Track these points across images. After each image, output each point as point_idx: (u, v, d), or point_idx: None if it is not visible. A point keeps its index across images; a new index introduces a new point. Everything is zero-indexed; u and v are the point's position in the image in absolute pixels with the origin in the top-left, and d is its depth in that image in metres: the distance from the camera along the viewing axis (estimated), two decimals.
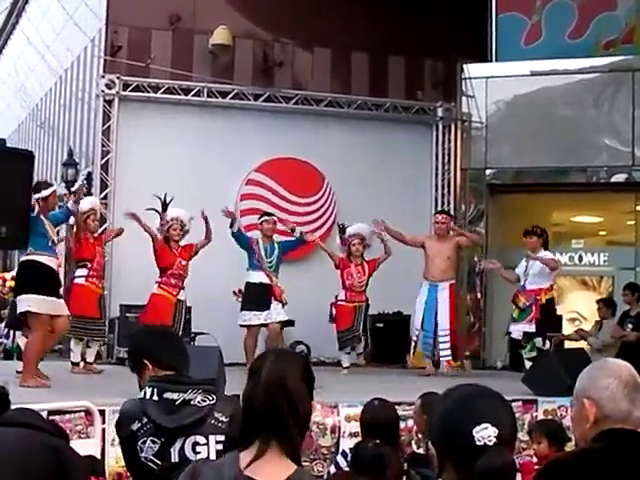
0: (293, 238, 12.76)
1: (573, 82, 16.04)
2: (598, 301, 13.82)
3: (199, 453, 3.65)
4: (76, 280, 11.53)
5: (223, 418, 3.72)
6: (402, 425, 6.14)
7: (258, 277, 12.08)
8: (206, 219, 11.72)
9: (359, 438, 6.20)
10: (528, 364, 11.55)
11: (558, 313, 15.26)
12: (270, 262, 12.15)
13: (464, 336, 14.87)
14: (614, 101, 15.70)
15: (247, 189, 15.42)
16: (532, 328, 11.78)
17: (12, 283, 12.41)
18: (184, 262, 11.59)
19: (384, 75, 16.77)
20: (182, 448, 3.66)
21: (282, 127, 15.53)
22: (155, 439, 3.68)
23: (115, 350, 13.02)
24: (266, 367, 2.79)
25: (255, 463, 2.70)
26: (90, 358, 11.72)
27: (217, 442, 3.68)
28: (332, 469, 6.32)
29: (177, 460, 3.63)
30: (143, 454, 3.68)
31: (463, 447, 2.39)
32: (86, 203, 11.55)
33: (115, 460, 7.43)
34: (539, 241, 12.18)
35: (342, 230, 13.04)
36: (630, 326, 12.78)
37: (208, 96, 15.18)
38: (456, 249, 13.13)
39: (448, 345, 12.64)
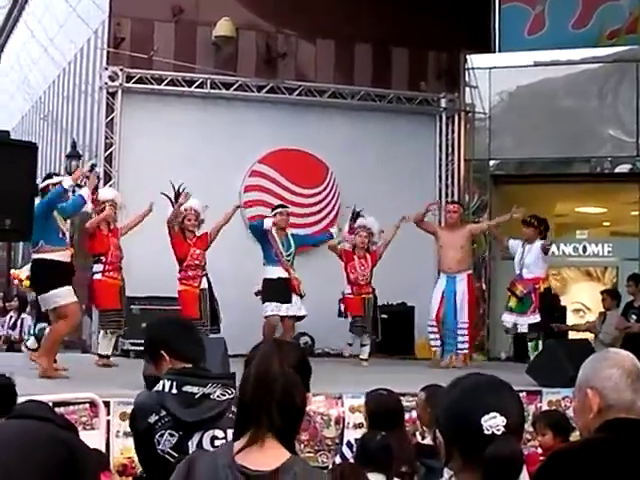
0: (320, 235, 12.90)
1: (577, 72, 16.02)
2: (602, 292, 13.82)
3: (217, 447, 3.62)
4: (94, 276, 11.56)
5: None
6: (407, 416, 6.13)
7: (275, 272, 11.98)
8: (234, 211, 11.99)
9: (364, 429, 6.21)
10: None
11: (562, 304, 15.36)
12: (288, 255, 12.12)
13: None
14: (618, 91, 15.68)
15: (251, 180, 15.41)
16: (537, 318, 11.79)
17: (27, 282, 12.51)
18: (199, 251, 11.53)
19: (387, 66, 16.75)
20: (200, 442, 3.64)
21: (285, 118, 15.51)
22: (173, 432, 3.64)
23: (120, 342, 13.02)
24: (258, 357, 2.81)
25: (249, 452, 2.72)
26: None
27: None
28: (337, 460, 6.33)
29: None
30: (160, 447, 3.64)
31: (471, 436, 2.40)
32: (107, 193, 11.59)
33: (120, 452, 7.47)
34: (535, 231, 12.24)
35: (356, 216, 12.93)
36: (634, 317, 12.78)
37: (211, 88, 15.16)
38: (469, 238, 13.08)
39: (467, 339, 12.61)
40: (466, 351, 12.71)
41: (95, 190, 10.94)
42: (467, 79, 16.43)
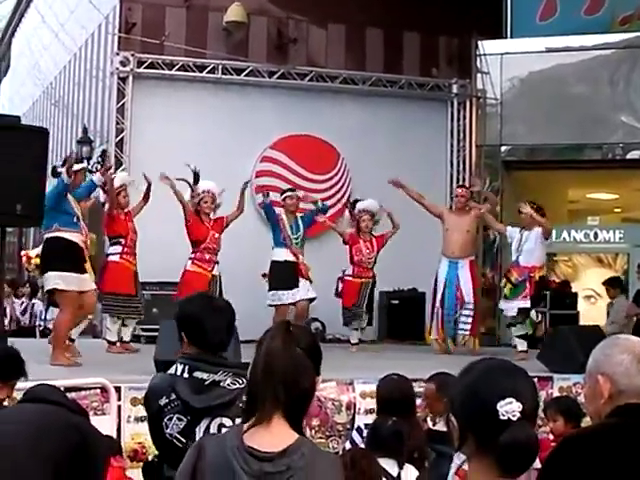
0: (310, 211, 12.71)
1: (589, 58, 15.96)
2: (603, 283, 13.82)
3: None
4: (110, 257, 11.36)
5: None
6: (418, 402, 6.12)
7: (283, 255, 11.99)
8: (243, 191, 11.79)
9: (375, 415, 6.20)
10: (518, 342, 11.60)
11: (573, 290, 15.36)
12: (297, 239, 12.12)
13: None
14: (630, 78, 15.63)
15: (262, 166, 15.41)
16: (527, 303, 11.68)
17: (37, 260, 12.37)
18: (217, 235, 11.45)
19: (399, 52, 16.73)
20: (207, 428, 3.64)
21: (297, 104, 15.50)
22: (182, 417, 3.65)
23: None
24: (267, 339, 2.82)
25: (257, 433, 2.74)
26: (127, 337, 11.61)
27: None
28: (347, 445, 6.34)
29: None
30: (168, 430, 3.65)
31: (486, 421, 2.39)
32: (117, 179, 11.56)
33: (131, 437, 7.48)
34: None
35: (352, 204, 13.02)
36: None
37: (222, 73, 15.16)
38: (476, 222, 13.00)
39: (470, 320, 12.47)
40: (467, 332, 12.52)
41: (105, 174, 10.80)
42: (479, 65, 16.38)
